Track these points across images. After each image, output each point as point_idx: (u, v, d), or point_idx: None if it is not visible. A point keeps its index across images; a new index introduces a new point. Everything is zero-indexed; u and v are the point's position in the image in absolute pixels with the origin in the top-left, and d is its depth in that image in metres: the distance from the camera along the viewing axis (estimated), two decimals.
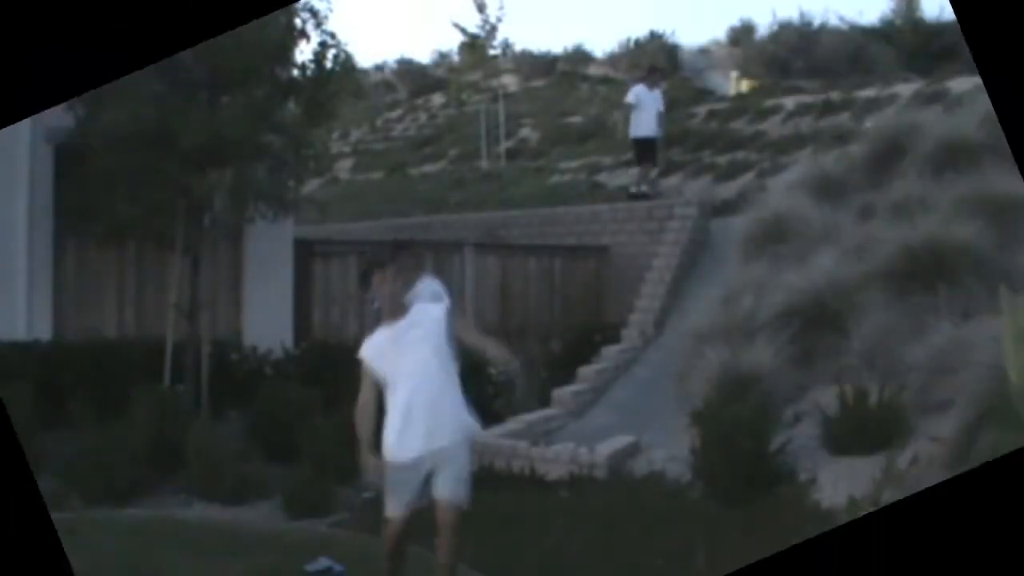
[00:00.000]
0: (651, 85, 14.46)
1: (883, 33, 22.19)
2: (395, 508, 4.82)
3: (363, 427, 4.83)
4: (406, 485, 4.77)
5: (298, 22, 9.52)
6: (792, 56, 21.60)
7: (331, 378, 9.35)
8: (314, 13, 9.54)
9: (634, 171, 14.64)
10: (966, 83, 14.97)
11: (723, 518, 6.28)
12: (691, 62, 25.06)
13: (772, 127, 16.71)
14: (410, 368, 4.75)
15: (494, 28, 20.89)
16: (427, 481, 4.76)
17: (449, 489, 4.73)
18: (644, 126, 14.06)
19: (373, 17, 58.90)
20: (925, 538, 2.42)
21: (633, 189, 14.15)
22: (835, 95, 17.25)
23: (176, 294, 9.51)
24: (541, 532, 6.38)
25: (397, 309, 4.85)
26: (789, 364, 7.88)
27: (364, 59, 37.05)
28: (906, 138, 9.84)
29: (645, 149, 14.17)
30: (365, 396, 4.87)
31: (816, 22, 22.66)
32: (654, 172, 14.65)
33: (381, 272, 4.90)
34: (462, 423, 4.86)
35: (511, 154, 20.01)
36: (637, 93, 14.25)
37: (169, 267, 9.76)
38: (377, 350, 4.85)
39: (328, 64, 9.61)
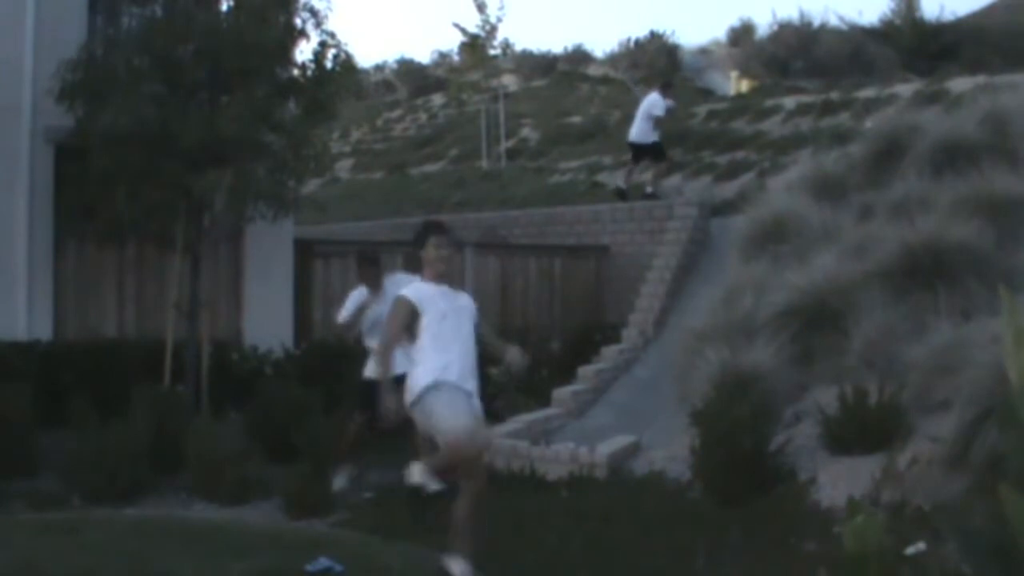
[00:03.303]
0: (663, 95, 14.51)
1: (883, 33, 22.20)
2: (457, 423, 4.96)
3: (387, 365, 5.13)
4: (459, 400, 5.00)
5: (298, 22, 9.53)
6: (792, 56, 21.62)
7: (331, 378, 9.36)
8: (314, 13, 9.55)
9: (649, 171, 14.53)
10: (966, 83, 14.99)
11: (723, 518, 6.28)
12: (691, 62, 25.08)
13: (772, 127, 16.71)
14: (454, 330, 5.09)
15: (494, 28, 20.87)
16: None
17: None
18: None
19: (373, 17, 58.99)
20: None
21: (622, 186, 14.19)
22: (835, 95, 17.25)
23: (176, 294, 9.51)
24: (541, 532, 6.37)
25: (443, 277, 5.22)
26: (789, 364, 7.87)
27: (364, 59, 37.13)
28: (906, 138, 9.83)
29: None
30: (395, 333, 5.14)
31: (816, 22, 22.72)
32: (646, 174, 14.47)
33: (439, 238, 5.24)
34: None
35: (511, 154, 20.02)
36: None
37: (169, 267, 9.76)
38: (428, 296, 5.11)
39: (328, 64, 9.61)
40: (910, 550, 5.11)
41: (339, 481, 7.60)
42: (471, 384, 5.12)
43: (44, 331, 9.50)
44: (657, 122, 14.02)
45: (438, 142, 22.86)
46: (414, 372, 5.07)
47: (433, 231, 5.31)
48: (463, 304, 5.23)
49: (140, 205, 8.89)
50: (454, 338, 5.07)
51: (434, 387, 4.98)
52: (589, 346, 11.27)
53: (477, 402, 5.16)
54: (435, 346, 5.02)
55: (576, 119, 21.45)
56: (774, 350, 7.86)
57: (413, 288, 5.19)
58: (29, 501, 7.33)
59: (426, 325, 5.05)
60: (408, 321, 5.09)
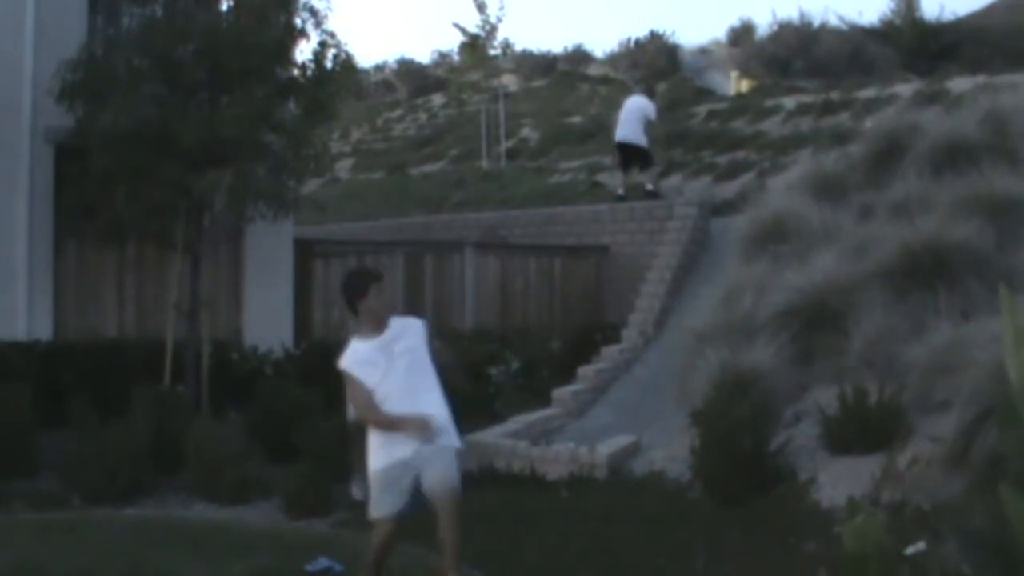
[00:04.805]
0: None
1: (883, 33, 22.21)
2: (386, 508, 4.89)
3: (382, 414, 4.89)
4: (397, 485, 4.85)
5: (298, 22, 9.53)
6: (792, 56, 21.62)
7: (331, 378, 9.34)
8: (314, 13, 9.55)
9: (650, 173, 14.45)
10: (966, 83, 15.00)
11: (723, 518, 6.28)
12: (691, 62, 25.09)
13: (772, 127, 16.71)
14: (401, 378, 4.92)
15: (494, 28, 20.88)
16: (415, 488, 4.84)
17: (440, 477, 4.77)
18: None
19: (373, 17, 59.06)
20: None
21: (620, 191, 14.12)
22: (835, 95, 17.25)
23: (176, 294, 9.51)
24: (541, 532, 6.38)
25: (383, 322, 5.03)
26: (789, 364, 7.87)
27: (364, 59, 37.16)
28: (906, 138, 9.83)
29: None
30: (365, 394, 4.93)
31: (816, 22, 22.72)
32: (642, 175, 14.39)
33: (378, 285, 5.08)
34: (447, 431, 4.95)
35: (511, 154, 20.02)
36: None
37: (169, 267, 9.76)
38: (363, 360, 4.95)
39: (328, 64, 9.61)
40: (910, 550, 5.11)
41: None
42: (430, 407, 4.95)
43: (44, 331, 9.49)
44: (651, 126, 13.98)
45: (438, 142, 22.87)
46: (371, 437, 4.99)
47: (374, 279, 5.14)
48: (405, 344, 5.00)
49: (140, 205, 8.89)
50: (399, 391, 4.91)
51: (381, 468, 4.90)
52: (589, 346, 11.26)
53: (440, 412, 4.97)
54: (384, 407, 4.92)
55: (576, 119, 21.45)
56: (774, 350, 7.85)
57: (350, 356, 5.01)
58: (29, 501, 7.33)
59: (373, 391, 4.92)
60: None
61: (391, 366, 4.93)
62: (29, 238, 9.58)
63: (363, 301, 5.02)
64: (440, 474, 4.77)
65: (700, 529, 6.13)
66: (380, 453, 4.93)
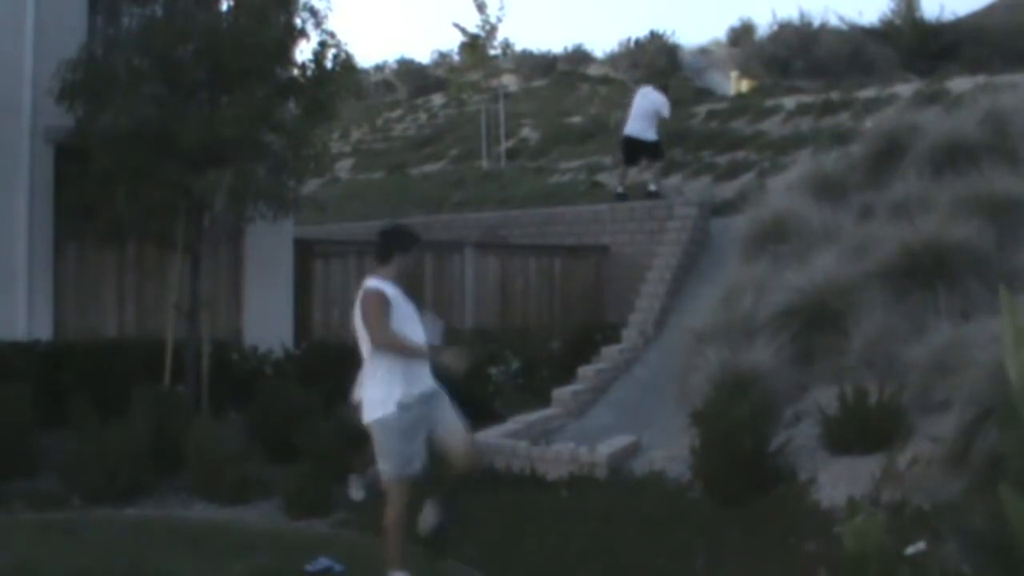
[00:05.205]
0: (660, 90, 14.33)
1: (883, 33, 22.22)
2: (413, 462, 5.14)
3: (405, 343, 5.17)
4: (416, 429, 5.13)
5: (298, 22, 9.52)
6: (792, 56, 21.63)
7: (331, 378, 9.36)
8: (314, 13, 9.54)
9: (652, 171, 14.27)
10: (966, 83, 15.00)
11: (723, 518, 6.28)
12: (691, 62, 25.12)
13: (772, 127, 16.71)
14: (413, 334, 5.25)
15: (494, 28, 20.88)
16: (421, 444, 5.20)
17: (461, 438, 5.29)
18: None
19: (373, 17, 59.08)
20: None
21: (620, 190, 14.05)
22: (835, 95, 17.26)
23: (176, 294, 9.51)
24: (541, 532, 6.38)
25: (401, 282, 5.33)
26: (789, 364, 7.87)
27: (364, 59, 37.21)
28: (906, 138, 9.83)
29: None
30: (388, 327, 5.13)
31: (816, 22, 22.73)
32: (646, 172, 14.35)
33: (416, 248, 5.48)
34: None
35: (511, 154, 20.02)
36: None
37: (169, 267, 9.76)
38: (395, 297, 5.22)
39: (328, 64, 9.61)
40: (910, 550, 5.11)
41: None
42: (428, 377, 5.28)
43: (44, 331, 9.49)
44: (662, 122, 13.94)
45: (438, 142, 22.87)
46: (375, 385, 5.16)
47: (417, 241, 5.50)
48: (412, 309, 5.38)
49: (140, 205, 8.89)
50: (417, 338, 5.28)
51: (396, 414, 5.10)
52: (589, 346, 11.26)
53: (432, 383, 5.28)
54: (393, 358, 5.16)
55: (576, 119, 21.46)
56: (774, 350, 7.85)
57: (384, 288, 5.21)
58: (29, 501, 7.33)
59: (394, 327, 5.17)
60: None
61: (408, 317, 5.26)
62: (29, 238, 9.58)
63: (401, 255, 5.34)
64: (460, 434, 5.26)
65: (700, 529, 6.14)
66: (399, 388, 5.11)
